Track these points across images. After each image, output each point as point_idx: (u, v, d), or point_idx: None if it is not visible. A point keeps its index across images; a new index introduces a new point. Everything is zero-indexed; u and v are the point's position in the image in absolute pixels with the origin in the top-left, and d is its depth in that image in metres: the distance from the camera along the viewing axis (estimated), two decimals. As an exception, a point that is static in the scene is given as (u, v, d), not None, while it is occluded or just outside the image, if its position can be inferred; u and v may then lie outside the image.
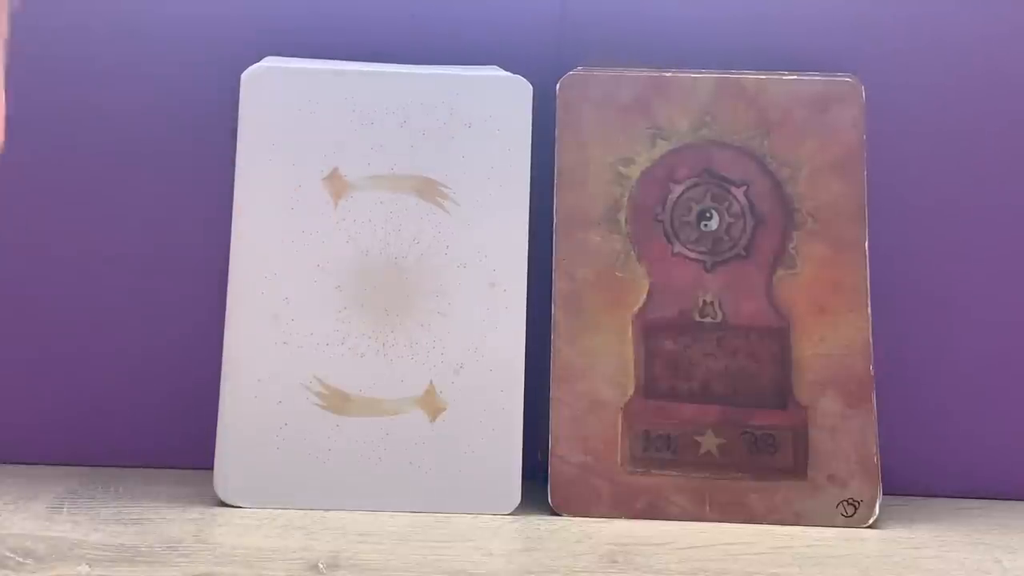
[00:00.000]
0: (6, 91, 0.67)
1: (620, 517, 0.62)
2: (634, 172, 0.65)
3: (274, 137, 0.62)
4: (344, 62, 0.65)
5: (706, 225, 0.64)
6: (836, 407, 0.63)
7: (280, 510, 0.60)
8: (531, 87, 0.63)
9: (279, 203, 0.62)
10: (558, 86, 0.65)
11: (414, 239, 0.62)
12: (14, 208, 0.69)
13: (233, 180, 0.62)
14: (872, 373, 0.63)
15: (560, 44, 0.69)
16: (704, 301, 0.64)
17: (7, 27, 0.61)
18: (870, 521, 0.61)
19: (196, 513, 0.59)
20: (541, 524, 0.60)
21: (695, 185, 0.65)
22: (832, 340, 0.63)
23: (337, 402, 0.61)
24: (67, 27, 0.69)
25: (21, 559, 0.51)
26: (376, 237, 0.62)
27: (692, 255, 0.64)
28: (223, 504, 0.61)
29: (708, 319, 0.64)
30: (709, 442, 0.63)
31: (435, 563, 0.53)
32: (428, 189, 0.62)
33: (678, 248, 0.64)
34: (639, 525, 0.61)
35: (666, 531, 0.60)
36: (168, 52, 0.69)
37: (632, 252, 0.64)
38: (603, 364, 0.63)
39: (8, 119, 0.69)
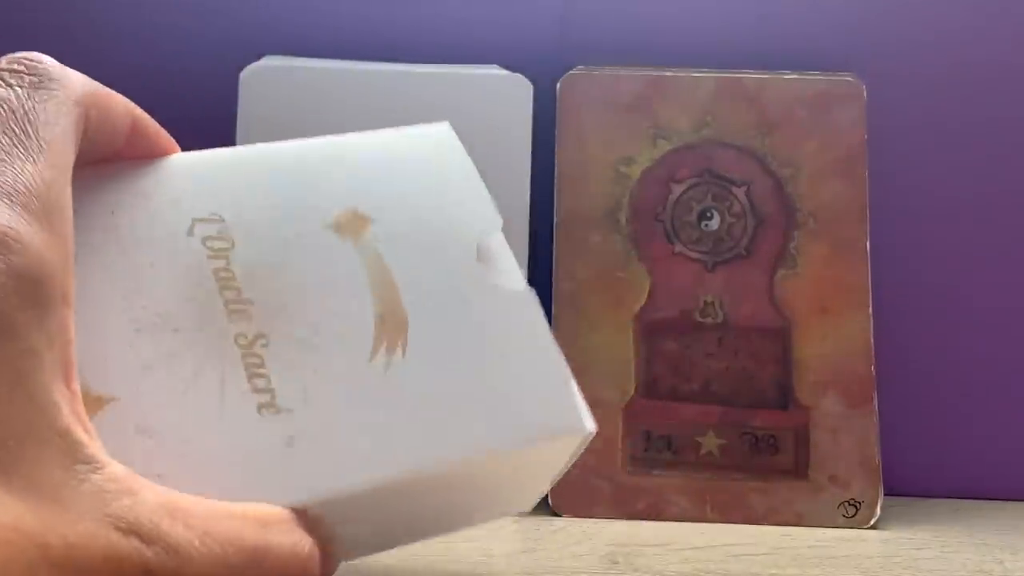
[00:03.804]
0: None
1: (620, 518, 0.62)
2: (635, 172, 0.65)
3: (273, 135, 0.62)
4: (344, 61, 0.64)
5: (707, 225, 0.64)
6: (837, 407, 0.62)
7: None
8: (531, 85, 0.63)
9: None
10: (558, 86, 0.65)
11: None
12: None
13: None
14: (874, 373, 0.63)
15: (560, 44, 0.69)
16: (705, 301, 0.64)
17: None
18: (871, 522, 0.61)
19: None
20: (541, 525, 0.60)
21: (696, 185, 0.65)
22: (833, 340, 0.63)
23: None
24: (66, 26, 0.69)
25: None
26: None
27: (693, 255, 0.64)
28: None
29: (709, 319, 0.63)
30: (710, 443, 0.62)
31: (435, 564, 0.53)
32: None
33: (679, 248, 0.64)
34: (640, 526, 0.60)
35: (667, 532, 0.59)
36: (167, 50, 0.69)
37: (633, 252, 0.64)
38: (603, 364, 0.63)
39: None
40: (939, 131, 0.69)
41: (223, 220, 0.35)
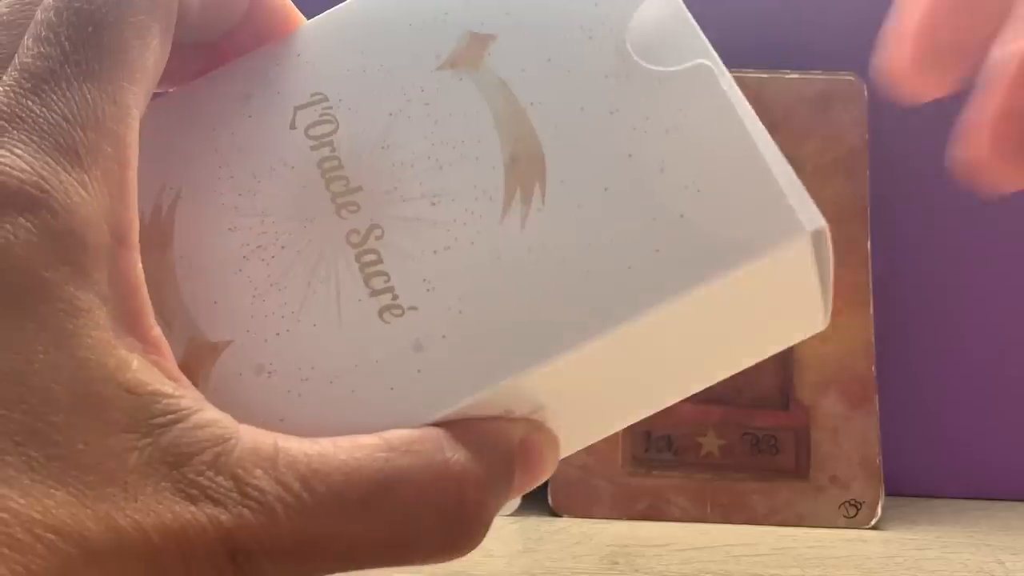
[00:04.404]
0: None
1: (621, 518, 0.61)
2: (635, 171, 0.64)
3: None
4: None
5: (707, 225, 0.64)
6: (838, 408, 0.62)
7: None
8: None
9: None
10: (558, 85, 0.65)
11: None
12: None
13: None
14: (874, 373, 0.62)
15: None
16: (705, 301, 0.63)
17: None
18: (872, 522, 0.61)
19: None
20: (541, 525, 0.60)
21: (696, 184, 0.64)
22: (834, 340, 0.63)
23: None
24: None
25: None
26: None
27: (693, 255, 0.64)
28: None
29: (709, 319, 0.63)
30: (710, 443, 0.62)
31: (435, 564, 0.53)
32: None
33: (679, 248, 0.64)
34: (640, 526, 0.60)
35: (667, 532, 0.59)
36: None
37: (633, 252, 0.64)
38: (604, 364, 0.63)
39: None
40: (939, 130, 0.69)
41: (325, 99, 0.29)
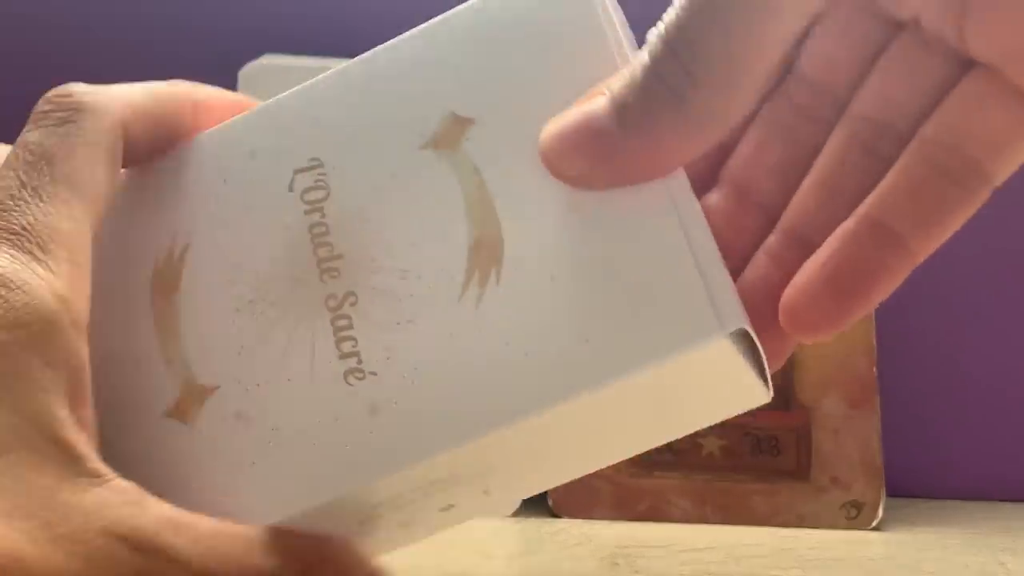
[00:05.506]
0: None
1: (621, 519, 0.61)
2: (635, 171, 0.64)
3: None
4: (343, 59, 0.64)
5: (708, 224, 0.64)
6: (839, 408, 0.62)
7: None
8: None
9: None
10: (559, 84, 0.65)
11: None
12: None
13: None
14: (875, 373, 0.62)
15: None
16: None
17: None
18: (873, 523, 0.61)
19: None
20: (541, 526, 0.60)
21: (697, 184, 0.64)
22: (835, 340, 0.62)
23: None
24: (63, 24, 0.68)
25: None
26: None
27: (694, 255, 0.64)
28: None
29: (710, 319, 0.63)
30: (711, 444, 0.62)
31: (434, 566, 0.53)
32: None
33: (680, 248, 0.64)
34: (640, 527, 0.60)
35: (668, 533, 0.59)
36: (165, 49, 0.69)
37: (633, 252, 0.64)
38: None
39: (4, 117, 0.68)
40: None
41: (321, 164, 0.31)
